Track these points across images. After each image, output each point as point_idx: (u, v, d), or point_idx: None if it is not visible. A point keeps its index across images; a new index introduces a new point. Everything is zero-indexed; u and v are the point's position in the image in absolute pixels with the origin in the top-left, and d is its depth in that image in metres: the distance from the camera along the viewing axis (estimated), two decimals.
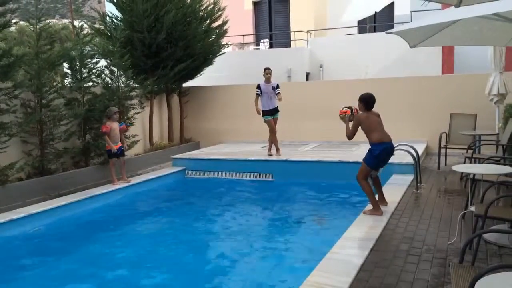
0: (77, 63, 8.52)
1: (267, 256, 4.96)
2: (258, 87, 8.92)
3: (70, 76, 8.70)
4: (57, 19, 45.29)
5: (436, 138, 8.37)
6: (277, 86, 8.90)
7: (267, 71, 8.90)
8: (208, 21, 11.51)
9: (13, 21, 7.04)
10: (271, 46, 17.40)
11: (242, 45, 17.23)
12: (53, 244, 5.64)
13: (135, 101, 9.81)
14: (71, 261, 5.09)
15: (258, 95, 8.91)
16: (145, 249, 5.46)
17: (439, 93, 9.93)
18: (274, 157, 8.90)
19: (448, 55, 14.14)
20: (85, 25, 10.09)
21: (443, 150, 8.25)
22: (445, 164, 8.28)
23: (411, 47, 6.03)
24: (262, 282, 4.33)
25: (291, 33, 16.95)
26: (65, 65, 8.84)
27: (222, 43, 12.29)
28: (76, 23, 12.24)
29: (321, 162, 8.41)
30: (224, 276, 4.58)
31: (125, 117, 9.31)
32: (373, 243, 4.38)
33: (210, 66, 12.02)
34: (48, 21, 8.33)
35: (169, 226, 6.46)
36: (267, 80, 8.87)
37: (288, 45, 17.04)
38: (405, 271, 3.76)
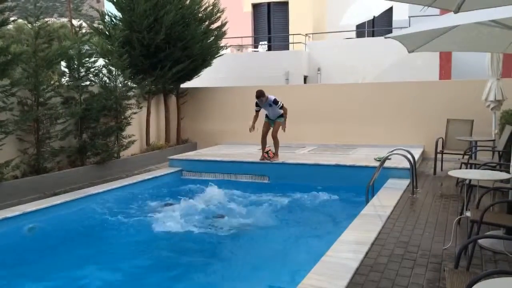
0: (75, 62, 8.50)
1: (262, 259, 4.95)
2: (257, 104, 8.76)
3: (67, 74, 8.68)
4: (55, 18, 45.21)
5: (433, 143, 8.40)
6: (274, 102, 8.66)
7: (258, 99, 8.59)
8: (207, 23, 11.52)
9: (11, 19, 7.03)
10: (269, 49, 17.43)
11: (240, 47, 17.24)
12: (47, 242, 5.61)
13: (133, 101, 9.79)
14: (64, 260, 5.07)
15: (257, 111, 8.83)
16: (138, 249, 5.45)
17: (436, 99, 9.96)
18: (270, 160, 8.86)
19: (445, 60, 14.20)
20: (84, 24, 10.09)
21: (439, 155, 8.28)
22: (441, 169, 8.30)
23: (409, 52, 6.04)
24: (257, 285, 4.32)
25: (290, 36, 16.99)
26: (63, 63, 8.82)
27: (221, 45, 12.29)
28: (74, 22, 12.22)
29: (318, 165, 8.41)
30: (218, 278, 4.57)
31: (122, 117, 9.30)
32: (369, 247, 4.38)
33: (208, 68, 12.02)
34: (46, 19, 8.32)
35: (163, 226, 6.44)
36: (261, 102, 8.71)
37: (286, 48, 17.08)
38: (400, 276, 3.76)
